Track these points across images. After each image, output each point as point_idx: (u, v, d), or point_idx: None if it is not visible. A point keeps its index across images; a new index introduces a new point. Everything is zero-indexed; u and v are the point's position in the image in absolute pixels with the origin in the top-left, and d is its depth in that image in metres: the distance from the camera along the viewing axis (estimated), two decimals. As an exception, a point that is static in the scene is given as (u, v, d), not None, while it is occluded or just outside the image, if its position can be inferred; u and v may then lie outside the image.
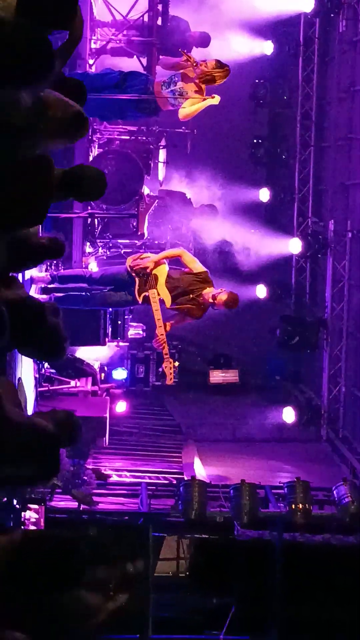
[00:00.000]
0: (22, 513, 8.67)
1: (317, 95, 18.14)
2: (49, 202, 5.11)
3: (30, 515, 8.76)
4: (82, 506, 10.81)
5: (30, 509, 8.76)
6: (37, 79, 4.43)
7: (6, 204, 4.77)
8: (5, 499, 8.55)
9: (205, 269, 10.63)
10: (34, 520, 8.77)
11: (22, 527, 8.58)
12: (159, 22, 13.90)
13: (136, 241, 14.20)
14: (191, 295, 10.42)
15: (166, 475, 13.04)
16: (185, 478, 11.79)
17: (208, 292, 10.33)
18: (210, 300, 10.25)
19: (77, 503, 10.80)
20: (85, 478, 11.02)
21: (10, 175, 4.73)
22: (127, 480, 12.68)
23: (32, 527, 8.65)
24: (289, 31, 18.14)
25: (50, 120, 5.12)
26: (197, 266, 10.58)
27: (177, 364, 10.72)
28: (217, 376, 17.23)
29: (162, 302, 10.39)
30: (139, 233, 13.42)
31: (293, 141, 18.55)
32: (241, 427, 16.67)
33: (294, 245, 17.75)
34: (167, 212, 14.42)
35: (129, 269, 10.54)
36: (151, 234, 14.31)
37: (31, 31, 4.34)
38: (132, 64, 13.75)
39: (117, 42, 13.88)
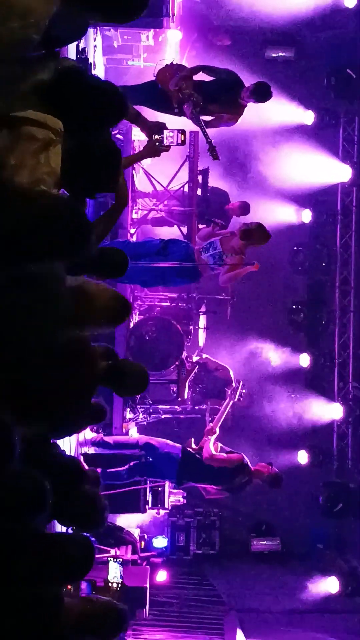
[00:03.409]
0: None
1: (355, 262, 18.32)
2: (92, 393, 5.10)
3: None
4: None
5: None
6: (72, 254, 4.31)
7: (51, 393, 4.74)
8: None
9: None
10: None
11: None
12: (199, 192, 14.18)
13: (176, 407, 14.18)
14: None
15: (208, 649, 12.71)
16: (228, 652, 11.49)
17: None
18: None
19: None
20: (126, 653, 10.75)
21: (55, 363, 4.70)
22: (169, 654, 12.37)
23: None
24: (327, 200, 18.46)
25: (92, 309, 5.12)
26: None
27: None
28: (258, 544, 16.92)
29: None
30: (180, 399, 13.42)
31: (332, 306, 18.64)
32: (284, 597, 16.21)
33: (335, 411, 17.63)
34: (207, 378, 14.40)
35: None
36: (191, 400, 14.28)
37: (70, 206, 4.25)
38: (172, 232, 14.00)
39: (158, 212, 14.15)
